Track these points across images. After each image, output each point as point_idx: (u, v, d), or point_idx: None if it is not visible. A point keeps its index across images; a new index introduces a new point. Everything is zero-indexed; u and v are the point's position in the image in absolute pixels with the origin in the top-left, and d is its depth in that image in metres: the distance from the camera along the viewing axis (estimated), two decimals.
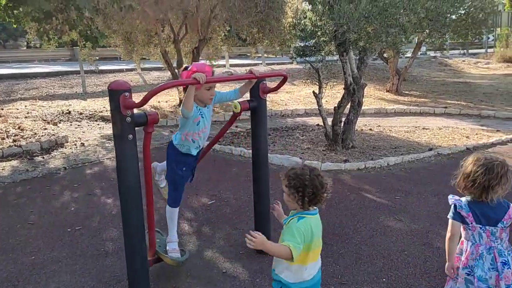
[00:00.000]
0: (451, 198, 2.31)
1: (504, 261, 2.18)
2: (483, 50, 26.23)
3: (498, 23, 24.24)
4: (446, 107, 10.87)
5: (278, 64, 18.86)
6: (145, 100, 2.39)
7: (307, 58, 6.72)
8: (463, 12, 13.40)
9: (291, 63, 19.19)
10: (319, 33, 5.77)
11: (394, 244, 3.57)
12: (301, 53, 6.09)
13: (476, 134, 7.98)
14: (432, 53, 25.05)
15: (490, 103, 11.80)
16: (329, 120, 6.90)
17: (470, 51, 26.85)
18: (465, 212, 2.24)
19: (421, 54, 22.58)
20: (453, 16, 13.13)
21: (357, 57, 6.82)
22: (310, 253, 2.07)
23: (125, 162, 2.53)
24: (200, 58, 10.83)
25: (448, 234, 2.29)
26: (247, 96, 3.20)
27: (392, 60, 13.90)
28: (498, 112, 9.97)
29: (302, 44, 6.70)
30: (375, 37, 5.38)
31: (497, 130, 8.27)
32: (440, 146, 7.05)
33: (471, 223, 2.22)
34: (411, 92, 14.15)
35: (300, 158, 6.20)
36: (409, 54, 13.56)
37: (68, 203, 4.75)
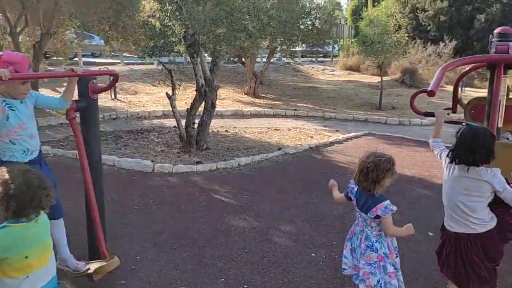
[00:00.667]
0: (351, 184, 2.64)
1: (368, 244, 2.49)
2: (329, 59, 29.13)
3: (341, 35, 27.19)
4: (296, 109, 11.74)
5: (137, 64, 18.14)
6: None
7: (159, 59, 6.57)
8: (309, 23, 14.68)
9: (152, 63, 18.66)
10: (168, 33, 5.66)
11: (236, 243, 3.65)
12: (151, 52, 5.90)
13: (319, 134, 8.77)
14: (286, 60, 26.90)
15: (333, 106, 13.14)
16: (183, 122, 6.84)
17: (319, 59, 29.61)
18: (353, 196, 2.60)
19: (277, 60, 24.05)
20: (301, 26, 14.32)
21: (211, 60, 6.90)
22: (19, 266, 1.95)
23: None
24: (47, 54, 9.79)
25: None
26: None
27: (249, 64, 14.52)
28: (338, 114, 11.13)
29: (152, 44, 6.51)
30: (224, 40, 5.47)
31: (336, 130, 9.21)
32: (288, 145, 7.55)
33: (355, 206, 2.59)
34: (267, 95, 14.95)
35: (152, 161, 6.01)
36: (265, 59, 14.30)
37: None
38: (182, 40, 5.78)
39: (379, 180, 2.43)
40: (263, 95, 14.85)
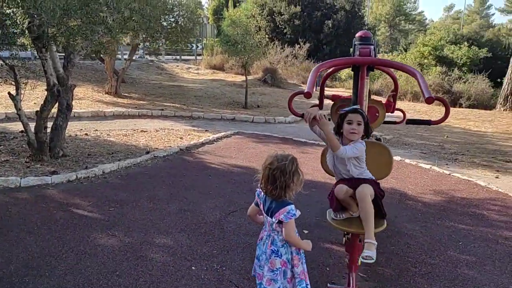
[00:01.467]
0: (258, 189, 2.51)
1: (274, 249, 2.38)
2: (193, 57, 28.99)
3: (204, 34, 27.26)
4: (162, 109, 11.27)
5: None
6: None
7: None
8: (172, 19, 14.26)
9: None
10: (8, 23, 4.78)
11: (105, 266, 3.20)
12: None
13: (189, 134, 8.51)
14: (149, 57, 25.92)
15: (200, 105, 12.99)
16: (33, 126, 5.92)
17: (183, 57, 29.25)
18: (260, 200, 2.48)
19: (139, 57, 23.00)
20: (164, 23, 13.83)
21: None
22: None
23: None
24: None
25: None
26: None
27: (108, 61, 13.48)
28: (206, 114, 11.02)
29: None
30: (79, 34, 4.83)
31: (206, 130, 9.07)
32: (157, 148, 7.13)
33: (262, 210, 2.46)
34: (131, 94, 14.10)
35: None
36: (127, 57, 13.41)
37: None
38: (26, 32, 4.94)
39: (288, 185, 2.32)
40: (126, 94, 13.96)
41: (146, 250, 3.47)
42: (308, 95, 2.73)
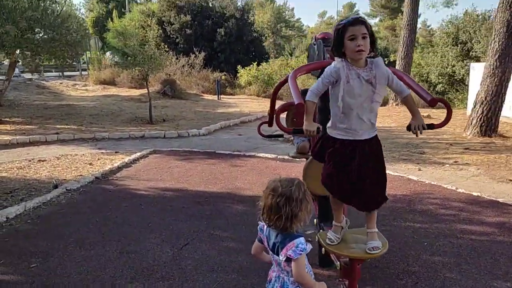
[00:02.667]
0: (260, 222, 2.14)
1: None
2: (77, 73, 26.73)
3: (87, 47, 25.29)
4: (57, 133, 9.97)
5: None
6: None
7: None
8: (54, 32, 12.77)
9: None
10: None
11: None
12: None
13: (98, 159, 7.56)
14: (25, 76, 23.23)
15: (100, 124, 11.83)
16: None
17: (66, 73, 26.80)
18: (263, 236, 2.12)
19: (14, 76, 20.45)
20: (46, 36, 12.36)
21: None
22: None
23: None
24: None
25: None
26: None
27: None
28: (111, 133, 10.02)
29: None
30: None
31: (116, 152, 8.18)
32: (65, 179, 6.15)
33: (267, 247, 2.10)
34: (13, 119, 12.30)
35: None
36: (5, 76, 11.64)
37: None
38: None
39: (295, 214, 1.93)
40: (8, 119, 12.15)
41: None
42: (301, 106, 2.35)
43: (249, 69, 20.76)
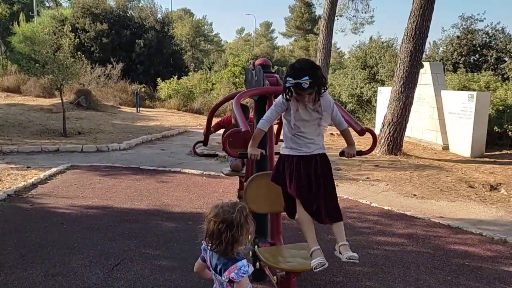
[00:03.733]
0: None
1: None
2: None
3: None
4: None
5: None
6: None
7: None
8: None
9: None
10: None
11: None
12: None
13: (8, 175, 7.00)
14: None
15: (6, 136, 10.91)
16: None
17: None
18: (206, 255, 2.16)
19: None
20: None
21: None
22: None
23: None
24: None
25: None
26: None
27: None
28: (20, 147, 9.30)
29: None
30: None
31: (28, 167, 7.64)
32: None
33: (209, 267, 2.15)
34: None
35: None
36: None
37: None
38: None
39: (236, 239, 2.01)
40: None
41: None
42: (247, 133, 2.51)
43: (170, 82, 20.55)
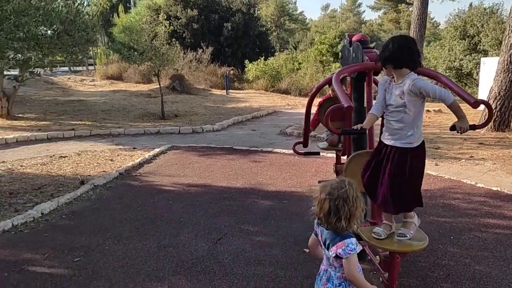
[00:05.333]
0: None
1: (329, 287, 2.15)
2: (84, 68, 26.79)
3: (96, 42, 25.34)
4: (74, 129, 10.11)
5: None
6: None
7: None
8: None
9: None
10: None
11: None
12: None
13: (118, 155, 7.71)
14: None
15: (113, 120, 11.96)
16: None
17: (72, 68, 26.87)
18: (318, 230, 2.22)
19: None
20: (49, 32, 12.45)
21: None
22: None
23: None
24: None
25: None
26: None
27: None
28: (127, 130, 10.15)
29: None
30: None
31: (134, 148, 8.32)
32: (89, 175, 6.29)
33: (320, 242, 2.22)
34: (26, 115, 12.45)
35: None
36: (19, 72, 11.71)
37: None
38: None
39: (353, 214, 2.05)
40: (21, 115, 12.31)
41: None
42: (350, 109, 2.48)
43: (257, 64, 20.82)
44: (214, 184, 5.83)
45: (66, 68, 24.63)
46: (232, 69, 21.26)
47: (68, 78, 22.69)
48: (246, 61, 21.48)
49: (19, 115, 12.27)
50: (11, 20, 3.82)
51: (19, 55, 4.16)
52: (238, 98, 17.29)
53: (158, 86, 13.43)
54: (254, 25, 25.08)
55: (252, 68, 20.81)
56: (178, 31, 23.98)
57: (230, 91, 18.78)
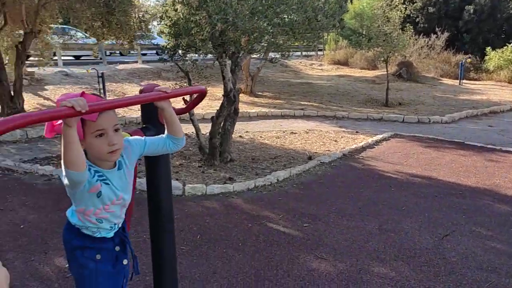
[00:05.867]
0: None
1: None
2: (313, 53, 28.45)
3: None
4: (303, 109, 10.98)
5: (121, 63, 16.96)
6: None
7: (173, 59, 5.65)
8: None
9: (136, 62, 17.53)
10: (194, 30, 4.76)
11: None
12: (172, 53, 4.99)
13: (342, 137, 8.03)
14: (273, 54, 26.12)
15: (338, 103, 12.45)
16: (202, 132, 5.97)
17: (303, 53, 28.90)
18: None
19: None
20: (301, 18, 13.52)
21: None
22: None
23: None
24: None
25: None
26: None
27: (245, 61, 13.65)
28: (351, 113, 10.43)
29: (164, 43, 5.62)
30: (260, 37, 4.63)
31: (356, 132, 8.51)
32: (316, 152, 6.79)
33: None
34: (264, 93, 14.15)
35: (177, 179, 5.11)
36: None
37: None
38: (209, 39, 4.89)
39: None
40: (260, 93, 14.05)
41: (369, 282, 3.05)
42: None
43: (502, 52, 18.14)
44: (440, 178, 5.49)
45: (298, 53, 26.68)
46: (470, 57, 19.10)
47: (300, 62, 24.54)
48: (488, 49, 18.95)
49: (259, 93, 14.04)
50: (272, 8, 4.40)
51: (273, 39, 4.73)
52: (472, 89, 15.53)
53: (384, 72, 13.26)
54: (503, 7, 21.76)
55: (494, 57, 18.25)
56: (411, 15, 22.86)
57: (464, 81, 17.00)
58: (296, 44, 16.05)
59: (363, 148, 7.04)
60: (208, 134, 6.15)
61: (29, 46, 8.40)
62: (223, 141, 6.06)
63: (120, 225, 1.76)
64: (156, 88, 1.69)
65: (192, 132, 6.87)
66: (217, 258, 3.38)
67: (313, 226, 4.00)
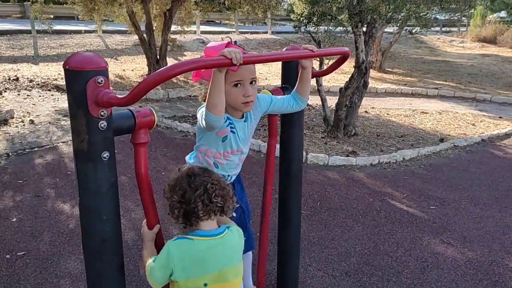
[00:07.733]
0: None
1: None
2: (455, 29, 25.87)
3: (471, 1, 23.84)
4: (437, 88, 10.17)
5: (252, 33, 17.54)
6: (134, 96, 1.29)
7: (306, 28, 5.65)
8: None
9: (266, 32, 17.96)
10: None
11: (457, 285, 2.69)
12: (306, 21, 5.00)
13: (481, 121, 7.28)
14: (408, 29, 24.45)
15: (480, 85, 11.23)
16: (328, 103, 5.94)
17: (443, 29, 26.45)
18: None
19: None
20: None
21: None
22: None
23: (96, 200, 1.44)
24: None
25: None
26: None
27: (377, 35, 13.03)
28: (494, 97, 9.35)
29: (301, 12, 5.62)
30: (402, 5, 4.36)
31: (500, 117, 7.62)
32: (449, 135, 6.29)
33: None
34: (394, 70, 13.41)
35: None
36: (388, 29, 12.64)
37: (8, 210, 3.55)
38: (346, 7, 4.76)
39: None
40: (390, 69, 13.35)
41: (501, 275, 2.80)
42: None
43: None
44: None
45: (437, 28, 24.52)
46: None
47: (438, 39, 22.56)
48: None
49: (388, 69, 13.35)
50: None
51: (415, 8, 4.41)
52: None
53: None
54: None
55: None
56: None
57: None
58: (437, 17, 14.75)
59: (506, 135, 6.31)
60: (333, 106, 6.09)
61: (175, 14, 9.15)
62: (348, 114, 5.96)
63: (232, 179, 1.89)
64: (303, 46, 1.73)
65: (317, 104, 6.89)
66: (336, 226, 3.41)
67: (440, 210, 3.76)
